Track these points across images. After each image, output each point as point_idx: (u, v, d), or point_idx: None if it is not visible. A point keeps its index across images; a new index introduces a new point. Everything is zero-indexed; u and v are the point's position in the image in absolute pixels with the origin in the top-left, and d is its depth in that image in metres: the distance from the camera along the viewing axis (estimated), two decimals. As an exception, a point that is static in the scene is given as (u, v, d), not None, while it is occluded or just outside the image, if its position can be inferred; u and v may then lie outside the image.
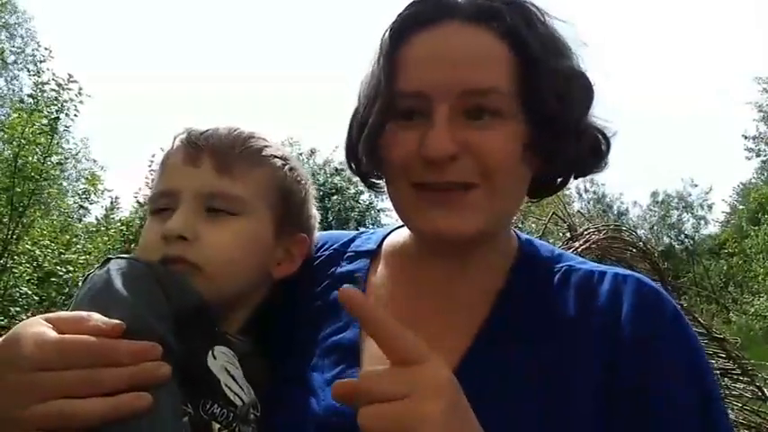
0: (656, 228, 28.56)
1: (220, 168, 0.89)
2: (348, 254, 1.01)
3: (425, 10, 0.85)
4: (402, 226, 1.01)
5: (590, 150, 0.90)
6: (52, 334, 0.70)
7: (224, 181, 0.89)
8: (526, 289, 0.90)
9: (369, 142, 0.86)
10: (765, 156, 25.09)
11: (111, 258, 0.82)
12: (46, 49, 10.32)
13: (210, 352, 0.84)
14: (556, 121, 0.84)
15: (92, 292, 0.78)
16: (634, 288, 0.87)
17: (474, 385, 0.77)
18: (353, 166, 0.95)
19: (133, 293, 0.76)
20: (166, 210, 0.89)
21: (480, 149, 0.81)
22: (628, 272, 0.92)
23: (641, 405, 0.79)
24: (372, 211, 20.74)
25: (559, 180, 0.93)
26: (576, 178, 0.94)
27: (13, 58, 22.18)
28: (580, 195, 25.51)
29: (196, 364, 0.81)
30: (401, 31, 0.85)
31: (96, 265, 0.84)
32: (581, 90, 0.87)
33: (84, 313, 0.73)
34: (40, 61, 9.83)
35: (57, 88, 9.78)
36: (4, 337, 0.73)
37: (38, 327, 0.72)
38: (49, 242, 9.97)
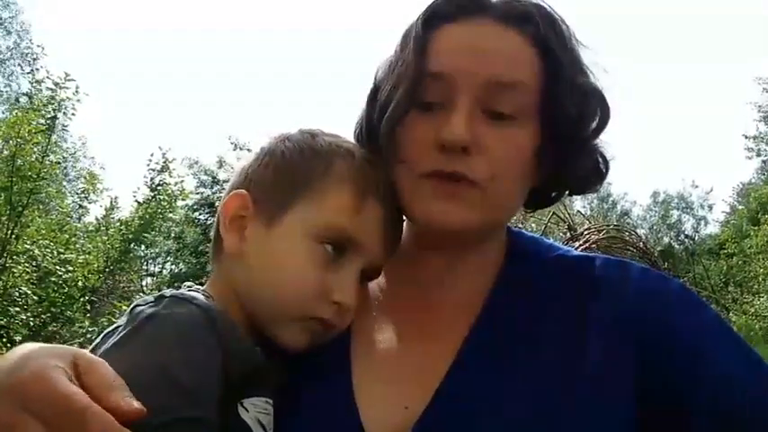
0: (655, 228, 28.58)
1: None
2: None
3: (459, 2, 0.86)
4: None
5: (593, 170, 0.91)
6: (70, 389, 0.58)
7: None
8: (519, 281, 0.89)
9: (389, 125, 0.84)
10: (765, 156, 25.09)
11: (165, 295, 0.74)
12: (38, 46, 10.24)
13: (240, 405, 0.76)
14: (571, 134, 0.85)
15: (136, 339, 0.69)
16: (638, 272, 0.87)
17: (471, 383, 0.78)
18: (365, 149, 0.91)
19: (183, 352, 0.68)
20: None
21: (494, 152, 0.81)
22: (625, 259, 0.91)
23: (693, 374, 0.77)
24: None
25: (554, 194, 0.95)
26: (570, 195, 0.95)
27: (8, 54, 21.98)
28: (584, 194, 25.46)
29: (231, 423, 0.74)
30: (433, 18, 0.86)
31: (148, 299, 0.75)
32: (599, 110, 0.88)
33: (111, 378, 0.60)
34: (34, 59, 9.77)
35: (53, 87, 9.77)
36: (20, 354, 0.61)
37: (58, 367, 0.59)
38: (48, 242, 9.96)
